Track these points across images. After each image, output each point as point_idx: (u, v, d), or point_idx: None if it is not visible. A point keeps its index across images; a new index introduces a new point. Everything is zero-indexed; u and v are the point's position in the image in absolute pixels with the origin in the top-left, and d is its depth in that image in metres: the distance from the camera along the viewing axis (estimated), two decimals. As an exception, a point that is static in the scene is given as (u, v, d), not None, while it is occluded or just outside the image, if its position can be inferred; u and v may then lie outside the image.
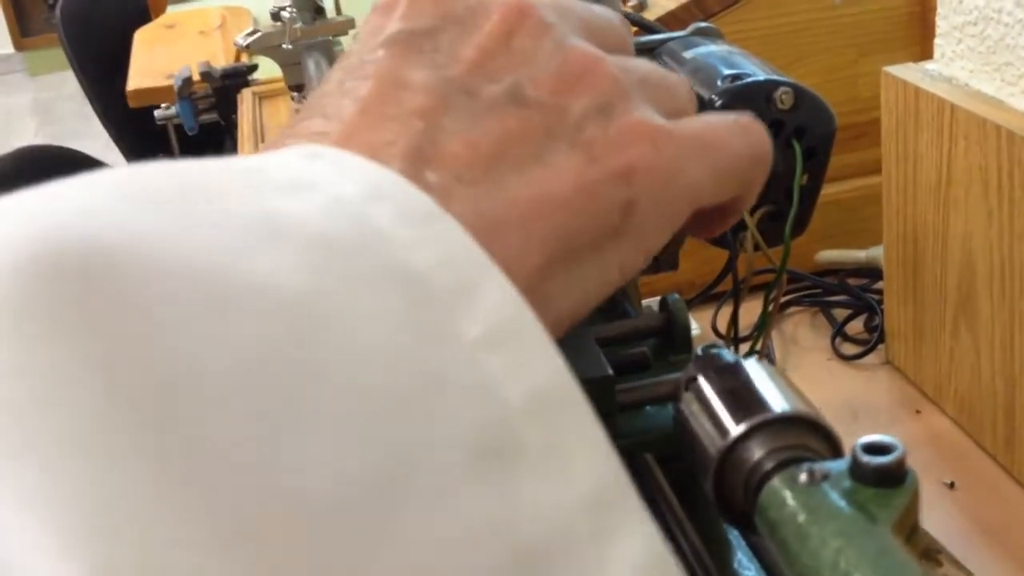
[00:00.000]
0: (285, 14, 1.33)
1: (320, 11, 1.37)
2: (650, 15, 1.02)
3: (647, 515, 0.22)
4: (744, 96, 0.51)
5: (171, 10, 2.59)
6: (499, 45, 0.28)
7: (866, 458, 0.34)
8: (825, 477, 0.34)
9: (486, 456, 0.20)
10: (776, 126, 0.51)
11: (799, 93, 0.52)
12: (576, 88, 0.28)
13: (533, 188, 0.26)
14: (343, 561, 0.18)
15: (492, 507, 0.20)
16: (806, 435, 0.36)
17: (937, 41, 0.84)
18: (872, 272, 1.00)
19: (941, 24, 0.83)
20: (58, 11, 2.72)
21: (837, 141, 0.54)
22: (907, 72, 0.87)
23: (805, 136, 0.53)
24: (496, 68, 0.28)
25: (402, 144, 0.26)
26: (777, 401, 0.36)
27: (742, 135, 0.31)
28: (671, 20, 1.00)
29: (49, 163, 1.72)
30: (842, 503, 0.33)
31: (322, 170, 0.24)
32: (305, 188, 0.23)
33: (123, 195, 0.21)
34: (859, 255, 1.02)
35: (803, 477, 0.34)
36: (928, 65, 0.85)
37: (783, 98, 0.52)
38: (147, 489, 0.17)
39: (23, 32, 5.88)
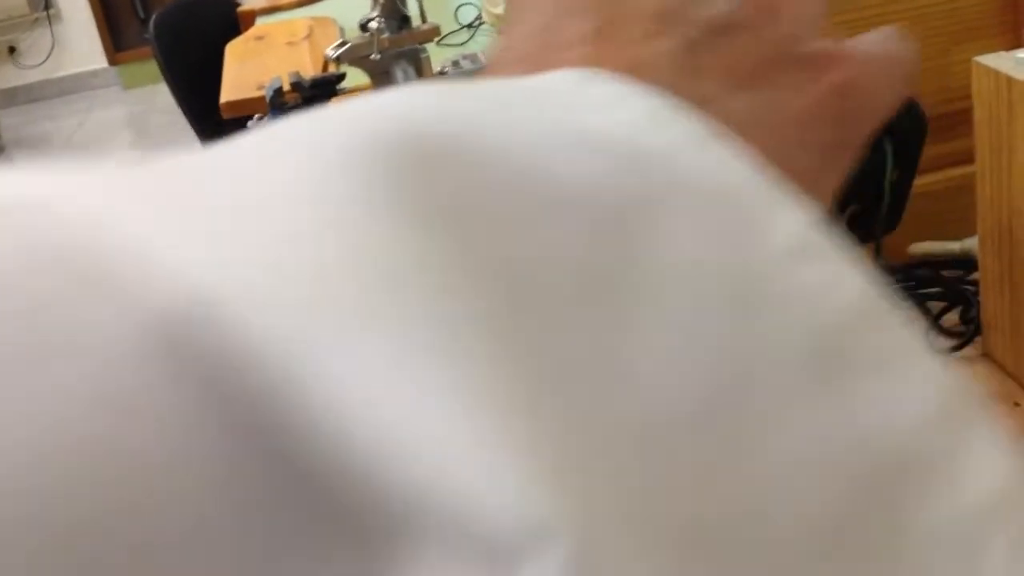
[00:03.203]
0: (372, 24, 1.35)
1: (406, 20, 1.40)
2: (734, 12, 1.02)
3: (997, 425, 0.21)
4: (832, 96, 0.51)
5: (259, 22, 2.64)
6: None
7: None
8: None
9: (823, 365, 0.20)
10: (865, 124, 0.51)
11: None
12: (773, 15, 0.29)
13: (789, 101, 0.27)
14: (687, 477, 0.18)
15: (834, 420, 0.20)
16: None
17: (1028, 29, 0.83)
18: (967, 263, 0.99)
19: (1032, 12, 0.82)
20: (152, 26, 2.79)
21: (929, 131, 0.54)
22: (999, 61, 0.86)
23: (895, 133, 0.54)
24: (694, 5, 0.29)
25: (662, 62, 0.27)
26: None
27: (893, 52, 0.32)
28: (756, 16, 1.00)
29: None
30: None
31: (603, 91, 0.24)
32: (596, 108, 0.23)
33: (450, 94, 0.22)
34: (953, 246, 1.01)
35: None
36: (1020, 53, 0.84)
37: (871, 96, 0.52)
38: (500, 386, 0.17)
39: (116, 47, 6.04)
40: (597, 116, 0.22)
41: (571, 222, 0.20)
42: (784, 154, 0.26)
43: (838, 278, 0.21)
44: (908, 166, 0.55)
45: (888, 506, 0.19)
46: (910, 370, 0.21)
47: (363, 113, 0.21)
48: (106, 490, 0.16)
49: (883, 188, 0.54)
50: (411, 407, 0.16)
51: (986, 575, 0.19)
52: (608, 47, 0.27)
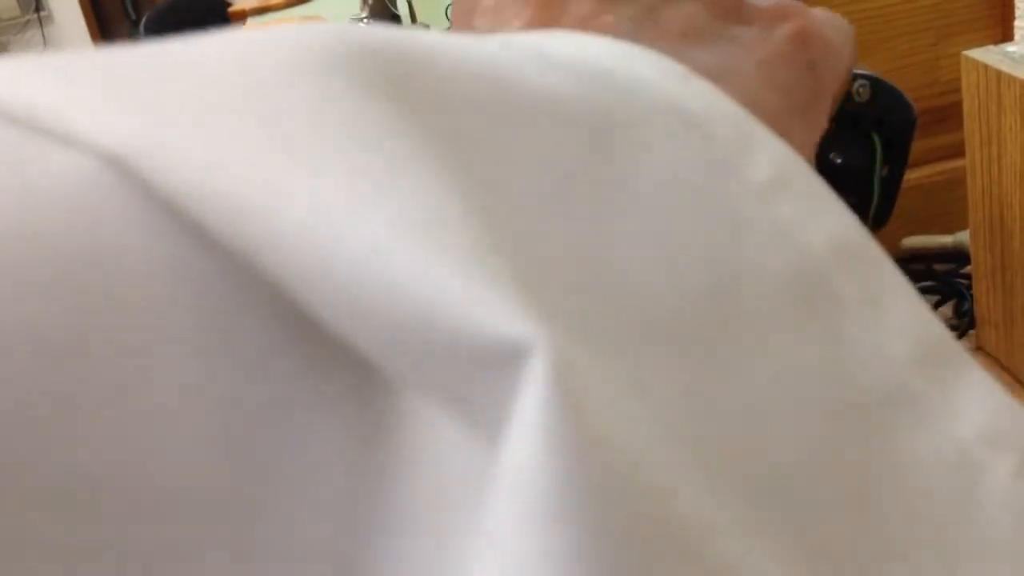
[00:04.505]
0: (362, 24, 1.35)
1: (396, 19, 1.40)
2: (724, 8, 1.02)
3: (985, 373, 0.20)
4: (821, 92, 0.51)
5: (251, 22, 2.63)
6: None
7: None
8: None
9: (800, 300, 0.19)
10: (854, 119, 0.51)
11: (876, 85, 0.52)
12: None
13: (750, 50, 0.27)
14: (671, 378, 0.17)
15: (816, 350, 0.19)
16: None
17: (1017, 23, 0.83)
18: (960, 257, 0.99)
19: (1021, 5, 0.82)
20: (142, 27, 2.79)
21: (919, 125, 0.54)
22: (987, 55, 0.86)
23: (884, 128, 0.53)
24: None
25: (617, 27, 0.26)
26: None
27: (837, 20, 0.32)
28: (746, 12, 1.00)
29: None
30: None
31: (562, 39, 0.23)
32: (561, 44, 0.22)
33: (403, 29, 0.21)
34: (945, 240, 1.01)
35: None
36: (1009, 47, 0.84)
37: (860, 91, 0.52)
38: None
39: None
40: (564, 48, 0.22)
41: (549, 127, 0.19)
42: (753, 96, 0.25)
43: (817, 214, 0.20)
44: (898, 161, 0.55)
45: (878, 435, 0.19)
46: (894, 308, 0.20)
47: (328, 28, 0.20)
48: (81, 293, 0.15)
49: (873, 183, 0.54)
50: (385, 234, 0.15)
51: (985, 500, 0.19)
52: (559, 23, 0.26)
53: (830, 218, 0.20)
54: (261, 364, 0.16)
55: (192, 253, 0.16)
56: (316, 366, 0.16)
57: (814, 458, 0.18)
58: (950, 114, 0.95)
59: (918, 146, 0.54)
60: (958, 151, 0.90)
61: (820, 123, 0.28)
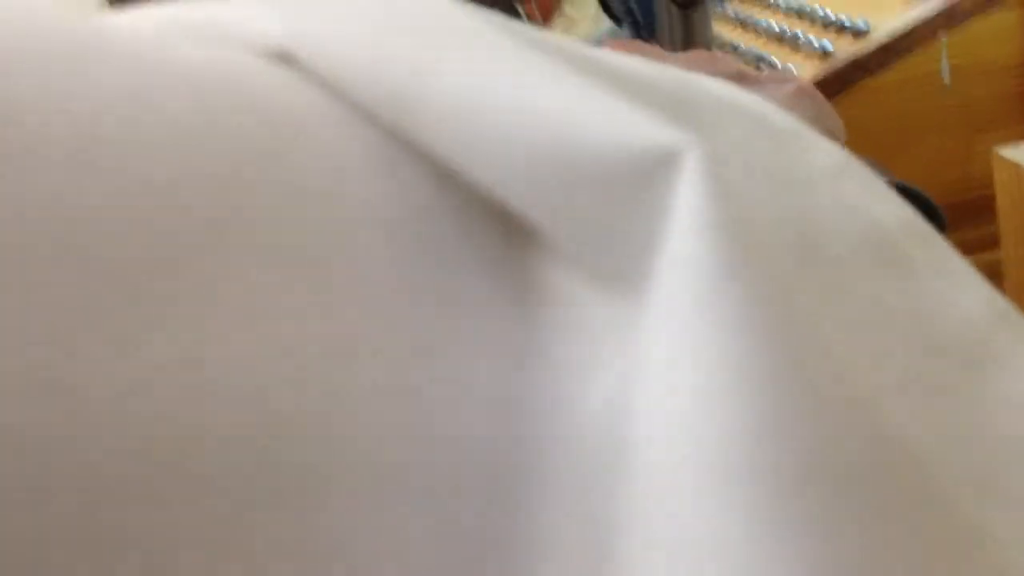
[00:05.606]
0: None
1: None
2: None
3: None
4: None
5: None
6: None
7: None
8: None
9: (875, 260, 0.20)
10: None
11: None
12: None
13: (773, 92, 0.32)
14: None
15: (900, 297, 0.20)
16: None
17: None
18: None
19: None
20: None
21: (953, 219, 0.77)
22: (1019, 154, 0.87)
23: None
24: None
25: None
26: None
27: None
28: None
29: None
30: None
31: None
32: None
33: None
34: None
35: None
36: (1040, 145, 0.87)
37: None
38: None
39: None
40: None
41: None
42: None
43: (879, 196, 0.22)
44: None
45: (961, 371, 0.20)
46: (962, 277, 0.21)
47: None
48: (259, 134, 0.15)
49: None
50: (535, 83, 0.17)
51: None
52: None
53: (891, 201, 0.22)
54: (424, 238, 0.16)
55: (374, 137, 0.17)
56: (470, 237, 0.17)
57: (908, 389, 0.19)
58: (983, 206, 0.88)
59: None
60: (994, 242, 0.90)
61: None
